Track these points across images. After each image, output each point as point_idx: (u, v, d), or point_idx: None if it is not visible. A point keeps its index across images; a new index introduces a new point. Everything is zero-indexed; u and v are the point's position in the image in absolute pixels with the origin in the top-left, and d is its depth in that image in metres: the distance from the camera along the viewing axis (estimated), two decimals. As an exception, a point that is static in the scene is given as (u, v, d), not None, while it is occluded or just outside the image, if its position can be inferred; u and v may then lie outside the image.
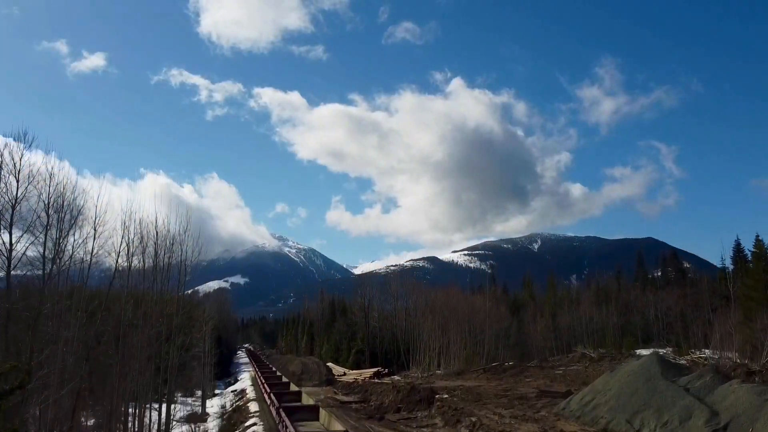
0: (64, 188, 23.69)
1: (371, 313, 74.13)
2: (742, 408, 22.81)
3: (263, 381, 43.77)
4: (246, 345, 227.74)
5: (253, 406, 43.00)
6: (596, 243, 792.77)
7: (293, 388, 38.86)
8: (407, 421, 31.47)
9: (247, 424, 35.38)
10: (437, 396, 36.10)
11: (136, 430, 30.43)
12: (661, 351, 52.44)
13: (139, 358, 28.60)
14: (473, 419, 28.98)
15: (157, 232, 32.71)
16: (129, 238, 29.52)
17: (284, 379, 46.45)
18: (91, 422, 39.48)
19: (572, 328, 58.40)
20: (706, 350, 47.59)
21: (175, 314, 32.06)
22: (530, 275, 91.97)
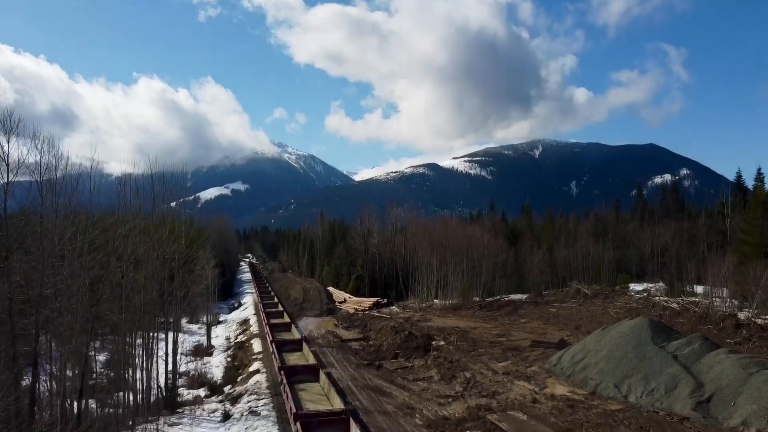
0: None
1: (371, 240, 75.02)
2: (726, 380, 23.63)
3: (266, 321, 45.18)
4: (249, 256, 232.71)
5: (256, 345, 44.55)
6: (598, 149, 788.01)
7: (294, 334, 40.13)
8: (404, 372, 32.70)
9: (250, 369, 36.80)
10: (433, 343, 37.30)
11: (145, 383, 31.69)
12: (653, 286, 53.68)
13: (140, 322, 29.34)
14: (468, 375, 30.14)
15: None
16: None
17: (286, 318, 47.87)
18: (102, 357, 41.23)
19: (568, 262, 59.31)
20: (699, 288, 48.46)
21: (177, 273, 32.44)
22: (530, 202, 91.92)
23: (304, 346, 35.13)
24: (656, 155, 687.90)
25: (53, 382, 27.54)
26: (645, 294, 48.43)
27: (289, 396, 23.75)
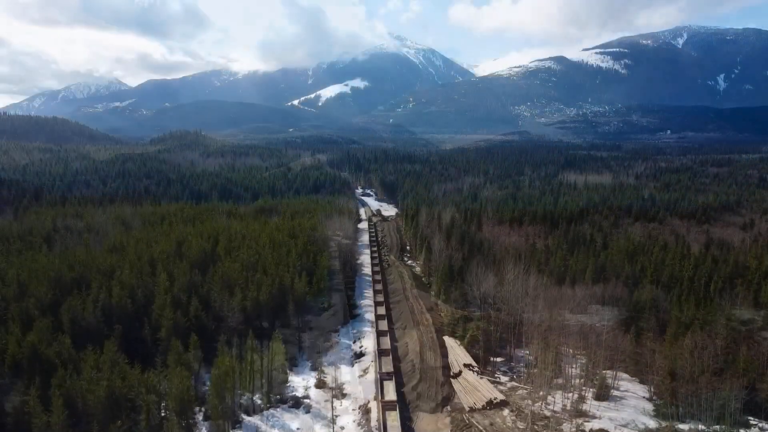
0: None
1: (486, 299, 75.61)
2: None
3: None
4: (369, 193, 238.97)
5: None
6: (755, 36, 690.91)
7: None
8: None
9: None
10: None
11: None
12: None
13: None
14: None
15: None
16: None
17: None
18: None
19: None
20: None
21: None
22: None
23: None
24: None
25: None
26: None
27: None
